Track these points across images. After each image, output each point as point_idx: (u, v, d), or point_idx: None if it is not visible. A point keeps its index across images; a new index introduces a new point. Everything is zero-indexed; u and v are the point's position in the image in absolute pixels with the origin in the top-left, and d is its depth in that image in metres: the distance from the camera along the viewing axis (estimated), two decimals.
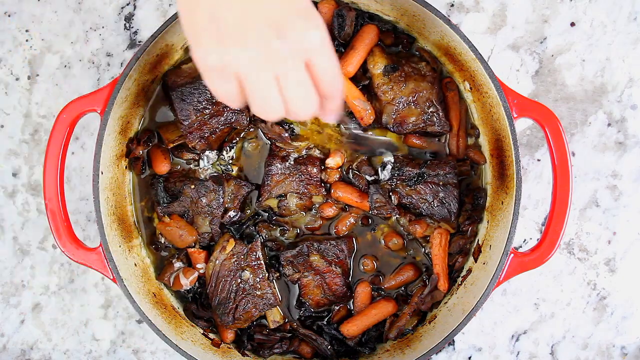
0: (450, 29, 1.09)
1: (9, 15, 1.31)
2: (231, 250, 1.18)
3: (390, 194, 1.18)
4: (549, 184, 1.30)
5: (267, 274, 1.19)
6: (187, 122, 1.16)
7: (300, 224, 1.23)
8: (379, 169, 1.20)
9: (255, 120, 1.22)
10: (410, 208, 1.19)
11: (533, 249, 1.10)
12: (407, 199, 1.18)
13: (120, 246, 1.15)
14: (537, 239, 1.31)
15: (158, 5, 1.31)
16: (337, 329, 1.21)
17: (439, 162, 1.18)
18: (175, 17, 1.08)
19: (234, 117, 1.18)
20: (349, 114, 1.20)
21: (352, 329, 1.20)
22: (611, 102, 1.30)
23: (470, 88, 1.18)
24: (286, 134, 1.20)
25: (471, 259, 1.21)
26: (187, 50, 1.21)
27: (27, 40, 1.31)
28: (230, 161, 1.23)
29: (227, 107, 1.17)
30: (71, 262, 1.32)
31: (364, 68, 1.18)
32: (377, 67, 1.15)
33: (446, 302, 1.21)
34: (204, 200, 1.19)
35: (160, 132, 1.22)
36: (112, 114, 1.11)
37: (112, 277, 1.11)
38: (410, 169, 1.18)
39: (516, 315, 1.32)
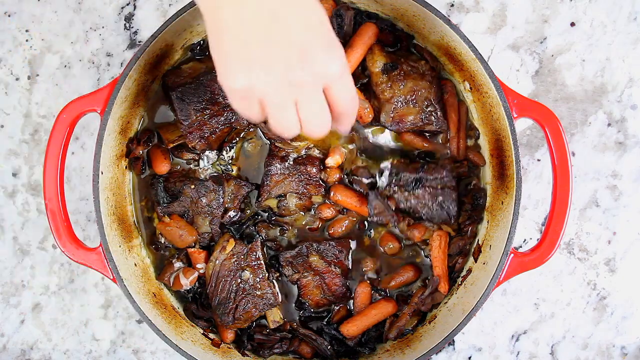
0: (450, 29, 1.09)
1: (9, 15, 1.31)
2: (231, 250, 1.18)
3: (388, 201, 1.18)
4: (549, 184, 1.30)
5: (267, 274, 1.19)
6: (187, 122, 1.16)
7: (300, 224, 1.23)
8: (377, 175, 1.20)
9: None
10: (410, 213, 1.19)
11: (533, 249, 1.10)
12: (406, 203, 1.18)
13: (120, 246, 1.15)
14: (537, 239, 1.31)
15: (158, 5, 1.31)
16: (337, 329, 1.21)
17: (436, 165, 1.18)
18: (175, 17, 1.08)
19: (234, 117, 1.18)
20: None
21: (352, 329, 1.20)
22: (611, 102, 1.30)
23: (470, 88, 1.18)
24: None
25: (471, 259, 1.21)
26: (187, 50, 1.21)
27: (27, 40, 1.31)
28: (230, 161, 1.23)
29: (227, 107, 1.17)
30: (71, 262, 1.32)
31: (362, 66, 1.18)
32: (377, 65, 1.15)
33: (446, 302, 1.21)
34: (204, 200, 1.19)
35: (160, 132, 1.22)
36: (112, 114, 1.11)
37: (112, 277, 1.11)
38: (407, 174, 1.17)
39: (516, 315, 1.32)
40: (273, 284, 1.21)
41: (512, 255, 1.10)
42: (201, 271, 1.21)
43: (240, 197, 1.21)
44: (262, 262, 1.18)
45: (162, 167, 1.21)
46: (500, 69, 1.29)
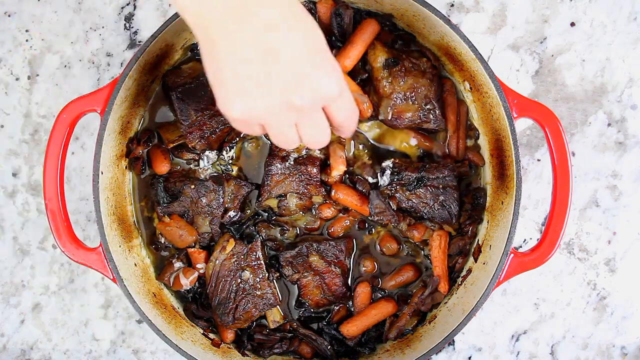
0: (450, 29, 1.09)
1: (9, 15, 1.31)
2: (231, 250, 1.18)
3: (390, 201, 1.18)
4: (549, 184, 1.30)
5: (267, 274, 1.19)
6: (187, 122, 1.16)
7: (300, 224, 1.23)
8: (379, 174, 1.20)
9: None
10: (411, 212, 1.19)
11: (533, 249, 1.10)
12: (407, 203, 1.18)
13: (120, 246, 1.15)
14: (537, 239, 1.31)
15: (158, 5, 1.31)
16: (337, 329, 1.21)
17: (438, 165, 1.18)
18: (175, 17, 1.08)
19: None
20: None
21: (351, 329, 1.20)
22: (611, 102, 1.30)
23: (470, 88, 1.18)
24: None
25: (471, 259, 1.21)
26: (187, 50, 1.21)
27: (27, 40, 1.31)
28: (230, 161, 1.23)
29: None
30: (71, 262, 1.32)
31: (363, 60, 1.18)
32: (378, 60, 1.15)
33: (446, 302, 1.21)
34: (204, 200, 1.19)
35: (160, 132, 1.22)
36: (112, 114, 1.10)
37: (112, 277, 1.11)
38: (409, 173, 1.17)
39: (516, 315, 1.32)
40: (273, 284, 1.21)
41: (512, 255, 1.10)
42: (201, 271, 1.21)
43: (240, 197, 1.21)
44: (262, 262, 1.18)
45: (162, 167, 1.21)
46: (500, 69, 1.29)
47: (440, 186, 1.17)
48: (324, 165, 1.22)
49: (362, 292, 1.22)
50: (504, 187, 1.14)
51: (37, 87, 1.32)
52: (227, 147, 1.22)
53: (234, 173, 1.23)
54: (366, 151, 1.22)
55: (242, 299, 1.18)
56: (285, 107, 0.86)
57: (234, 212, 1.20)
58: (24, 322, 1.34)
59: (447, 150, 1.22)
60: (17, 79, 1.32)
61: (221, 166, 1.23)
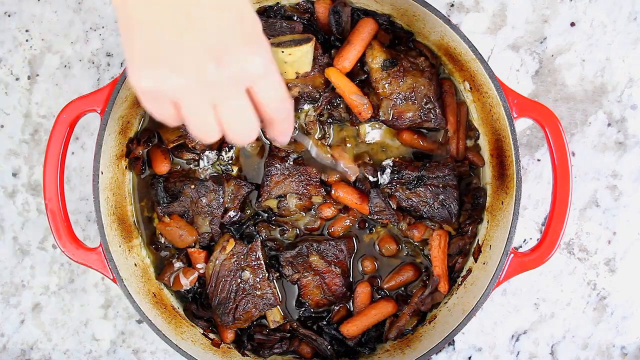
0: (450, 29, 1.09)
1: (9, 15, 1.31)
2: (231, 250, 1.18)
3: (390, 200, 1.18)
4: (549, 184, 1.30)
5: (267, 274, 1.19)
6: None
7: (300, 224, 1.23)
8: (379, 173, 1.20)
9: None
10: (411, 211, 1.19)
11: (533, 249, 1.10)
12: (407, 202, 1.18)
13: (120, 246, 1.15)
14: (537, 239, 1.31)
15: None
16: (337, 329, 1.21)
17: (438, 164, 1.18)
18: None
19: None
20: (305, 134, 1.20)
21: (351, 329, 1.20)
22: (611, 102, 1.30)
23: (470, 88, 1.18)
24: None
25: (471, 259, 1.21)
26: None
27: (27, 40, 1.31)
28: (230, 161, 1.23)
29: None
30: (71, 262, 1.32)
31: (361, 62, 1.18)
32: (376, 61, 1.15)
33: (446, 302, 1.21)
34: (204, 200, 1.19)
35: (160, 132, 1.22)
36: (112, 114, 1.11)
37: (112, 277, 1.11)
38: (409, 172, 1.17)
39: (516, 315, 1.32)
40: (273, 284, 1.21)
41: (512, 255, 1.10)
42: (201, 271, 1.21)
43: (240, 197, 1.21)
44: (262, 262, 1.18)
45: (162, 167, 1.21)
46: (500, 69, 1.29)
47: (440, 185, 1.17)
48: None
49: (362, 292, 1.22)
50: (504, 187, 1.14)
51: (37, 87, 1.32)
52: (227, 147, 1.22)
53: (233, 173, 1.23)
54: (368, 159, 1.22)
55: (242, 299, 1.18)
56: (200, 83, 0.76)
57: (234, 212, 1.20)
58: (24, 322, 1.34)
59: (446, 151, 1.22)
60: (17, 79, 1.32)
61: (221, 166, 1.23)
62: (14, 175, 1.33)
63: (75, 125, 1.11)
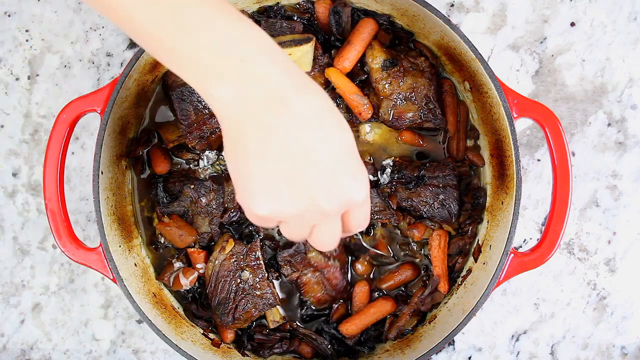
0: (450, 29, 1.09)
1: (9, 15, 1.31)
2: (230, 250, 1.18)
3: (389, 200, 1.18)
4: (549, 184, 1.30)
5: (266, 274, 1.19)
6: (187, 122, 1.16)
7: None
8: (379, 172, 1.20)
9: None
10: (411, 211, 1.19)
11: (533, 249, 1.10)
12: (407, 202, 1.18)
13: (120, 246, 1.16)
14: (537, 239, 1.31)
15: None
16: (337, 329, 1.21)
17: (438, 164, 1.18)
18: None
19: None
20: None
21: (351, 328, 1.20)
22: (611, 102, 1.30)
23: (470, 88, 1.18)
24: None
25: (471, 259, 1.21)
26: None
27: (27, 40, 1.31)
28: None
29: None
30: (71, 262, 1.32)
31: (361, 62, 1.18)
32: (376, 61, 1.15)
33: (446, 302, 1.21)
34: (203, 200, 1.19)
35: (160, 132, 1.22)
36: (112, 114, 1.11)
37: (112, 277, 1.11)
38: (409, 172, 1.18)
39: (516, 315, 1.32)
40: (272, 283, 1.21)
41: (512, 255, 1.10)
42: (201, 271, 1.21)
43: None
44: (261, 262, 1.18)
45: (162, 167, 1.21)
46: (500, 69, 1.29)
47: (440, 185, 1.17)
48: None
49: (361, 290, 1.22)
50: (504, 187, 1.14)
51: (37, 87, 1.32)
52: None
53: None
54: (369, 159, 1.22)
55: (241, 299, 1.18)
56: (312, 210, 0.80)
57: (233, 212, 1.20)
58: (24, 322, 1.34)
59: (444, 150, 1.22)
60: (17, 79, 1.32)
61: (221, 166, 1.23)
62: (14, 175, 1.33)
63: (75, 125, 1.11)
